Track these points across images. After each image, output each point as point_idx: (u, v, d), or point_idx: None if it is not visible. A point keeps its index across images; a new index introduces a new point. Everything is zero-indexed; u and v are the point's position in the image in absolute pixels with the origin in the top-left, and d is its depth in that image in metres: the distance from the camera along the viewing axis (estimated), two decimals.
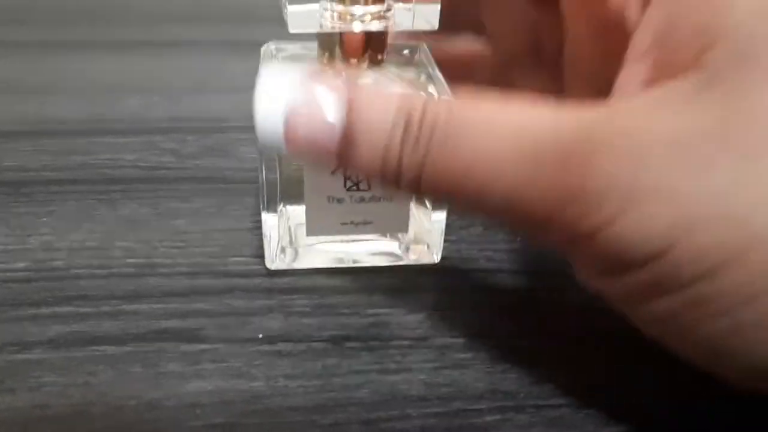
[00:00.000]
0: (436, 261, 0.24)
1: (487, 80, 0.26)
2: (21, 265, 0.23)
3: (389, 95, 0.17)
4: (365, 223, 0.23)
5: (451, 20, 0.22)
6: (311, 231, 0.23)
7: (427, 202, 0.23)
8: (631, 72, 0.18)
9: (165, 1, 0.55)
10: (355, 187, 0.22)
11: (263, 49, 0.24)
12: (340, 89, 0.17)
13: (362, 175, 0.18)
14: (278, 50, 0.24)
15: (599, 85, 0.19)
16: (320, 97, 0.17)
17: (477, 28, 0.25)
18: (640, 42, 0.18)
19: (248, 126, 0.33)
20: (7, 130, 0.33)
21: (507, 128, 0.16)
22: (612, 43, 0.19)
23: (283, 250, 0.23)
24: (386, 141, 0.17)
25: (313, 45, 0.24)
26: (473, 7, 0.25)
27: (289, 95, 0.17)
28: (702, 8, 0.15)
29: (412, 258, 0.24)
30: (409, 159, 0.16)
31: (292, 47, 0.24)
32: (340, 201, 0.22)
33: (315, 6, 0.20)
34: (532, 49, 0.24)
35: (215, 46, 0.45)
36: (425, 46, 0.25)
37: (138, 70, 0.41)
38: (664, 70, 0.16)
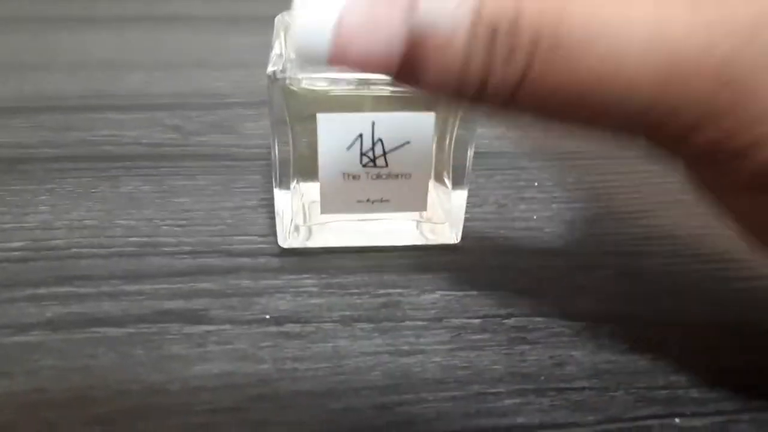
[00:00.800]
0: (457, 241, 0.23)
1: None
2: (18, 244, 0.22)
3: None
4: (382, 201, 0.22)
5: None
6: (326, 209, 0.22)
7: (446, 179, 0.22)
8: None
9: None
10: (371, 163, 0.21)
11: (277, 19, 0.23)
12: None
13: (431, 87, 0.14)
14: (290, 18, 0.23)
15: None
16: (379, 4, 0.13)
17: None
18: None
19: (252, 102, 0.33)
20: (4, 107, 0.32)
21: (640, 32, 0.13)
22: None
23: (296, 228, 0.22)
24: (466, 45, 0.13)
25: None
26: None
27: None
28: None
29: (431, 238, 0.23)
30: (503, 69, 0.13)
31: None
32: (355, 177, 0.21)
33: None
34: None
35: (216, 21, 0.44)
36: None
37: (138, 45, 0.40)
38: None
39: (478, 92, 0.14)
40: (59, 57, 0.37)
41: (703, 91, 0.13)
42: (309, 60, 0.14)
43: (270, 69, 0.19)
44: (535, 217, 0.24)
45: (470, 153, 0.22)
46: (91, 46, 0.39)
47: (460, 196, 0.22)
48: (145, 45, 0.40)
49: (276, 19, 0.23)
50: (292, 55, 0.19)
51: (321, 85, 0.20)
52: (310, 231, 0.22)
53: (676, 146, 0.14)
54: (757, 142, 0.13)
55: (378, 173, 0.21)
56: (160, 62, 0.37)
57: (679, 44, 0.13)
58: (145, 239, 0.23)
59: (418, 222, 0.23)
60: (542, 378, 0.18)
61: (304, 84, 0.19)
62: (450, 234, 0.23)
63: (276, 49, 0.20)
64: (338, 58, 0.14)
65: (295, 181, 0.22)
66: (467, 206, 0.25)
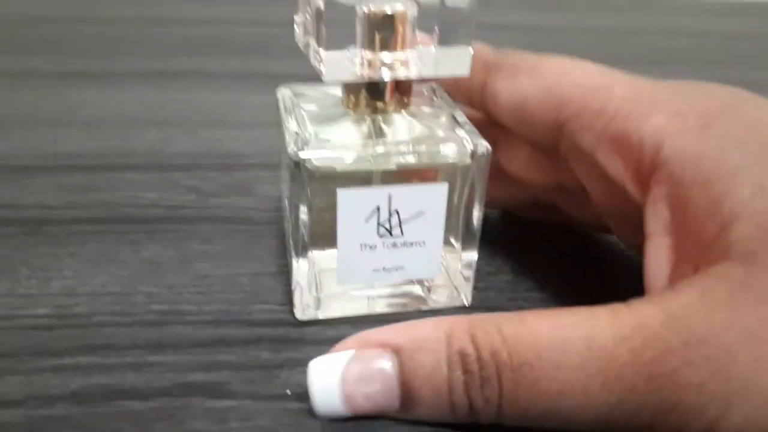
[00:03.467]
0: (467, 304, 0.23)
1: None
2: (43, 311, 0.23)
3: (434, 338, 0.17)
4: (397, 268, 0.22)
5: None
6: (344, 279, 0.22)
7: (453, 242, 0.23)
8: (657, 246, 0.18)
9: (180, 31, 0.55)
10: (388, 234, 0.21)
11: (279, 94, 0.24)
12: (384, 340, 0.17)
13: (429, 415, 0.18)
14: (295, 94, 0.24)
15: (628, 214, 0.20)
16: (368, 353, 0.18)
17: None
18: (654, 218, 0.18)
19: (269, 163, 0.33)
20: (25, 165, 0.32)
21: (576, 349, 0.15)
22: (623, 202, 0.20)
23: (312, 298, 0.23)
24: (448, 389, 0.17)
25: (326, 88, 0.24)
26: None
27: (340, 359, 0.18)
28: (709, 185, 0.17)
29: (441, 301, 0.24)
30: (483, 403, 0.16)
31: (308, 90, 0.24)
32: (372, 248, 0.22)
33: (346, 53, 0.20)
34: (555, 187, 0.24)
35: (232, 78, 0.45)
36: (440, 86, 0.25)
37: (155, 102, 0.41)
38: (689, 245, 0.17)
39: (469, 413, 0.17)
40: (77, 113, 0.38)
41: (638, 391, 0.15)
42: (328, 414, 0.18)
43: (291, 149, 0.20)
44: (550, 288, 0.25)
45: (478, 215, 0.22)
46: (110, 102, 0.40)
47: (470, 258, 0.23)
48: (163, 101, 0.41)
49: (278, 94, 0.23)
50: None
51: (336, 164, 0.20)
52: (319, 301, 0.23)
53: None
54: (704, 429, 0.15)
55: (394, 242, 0.22)
56: (177, 119, 0.38)
57: (609, 357, 0.15)
58: (166, 307, 0.23)
59: (423, 286, 0.24)
60: None
61: (318, 163, 0.20)
62: (459, 297, 0.24)
63: (292, 127, 0.21)
64: (350, 408, 0.17)
65: (310, 250, 0.22)
66: (481, 273, 0.25)
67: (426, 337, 0.17)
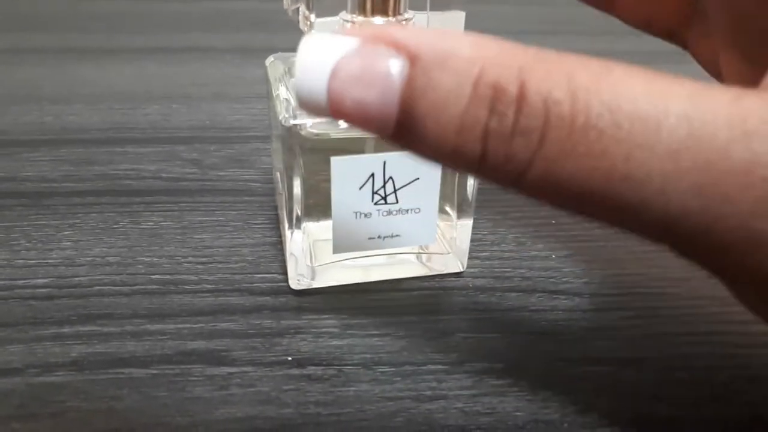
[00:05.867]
0: (462, 269, 0.23)
1: None
2: (43, 281, 0.22)
3: (466, 57, 0.12)
4: (392, 236, 0.22)
5: None
6: (338, 248, 0.22)
7: (449, 210, 0.23)
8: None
9: (181, 8, 0.55)
10: (382, 201, 0.21)
11: (268, 63, 0.23)
12: (401, 40, 0.12)
13: (428, 151, 0.13)
14: (284, 63, 0.23)
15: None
16: (376, 49, 0.13)
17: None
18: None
19: (269, 135, 0.33)
20: (27, 139, 0.32)
21: (676, 129, 0.11)
22: None
23: (307, 269, 0.23)
24: (458, 127, 0.12)
25: None
26: None
27: (339, 45, 0.13)
28: None
29: (436, 268, 0.23)
30: (504, 159, 0.12)
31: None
32: (367, 216, 0.21)
33: (336, 18, 0.20)
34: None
35: (233, 53, 0.45)
36: None
37: (157, 76, 0.40)
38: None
39: (479, 164, 0.12)
40: (79, 89, 0.38)
41: (744, 211, 0.11)
42: (310, 112, 0.14)
43: (283, 116, 0.20)
44: (553, 256, 0.25)
45: (473, 183, 0.22)
46: (111, 77, 0.40)
47: (466, 226, 0.23)
48: (164, 77, 0.40)
49: (267, 63, 0.23)
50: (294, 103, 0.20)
51: (328, 129, 0.20)
52: (313, 271, 0.23)
53: (704, 265, 0.13)
54: None
55: (389, 210, 0.21)
56: (179, 94, 0.38)
57: (719, 152, 0.11)
58: (167, 277, 0.23)
59: (419, 254, 0.23)
60: (565, 425, 0.18)
61: (312, 129, 0.20)
62: (455, 263, 0.23)
63: (283, 94, 0.21)
64: (334, 110, 0.13)
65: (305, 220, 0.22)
66: (485, 243, 0.25)
67: (455, 54, 0.12)
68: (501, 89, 0.12)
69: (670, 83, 0.12)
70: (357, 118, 0.13)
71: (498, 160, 0.12)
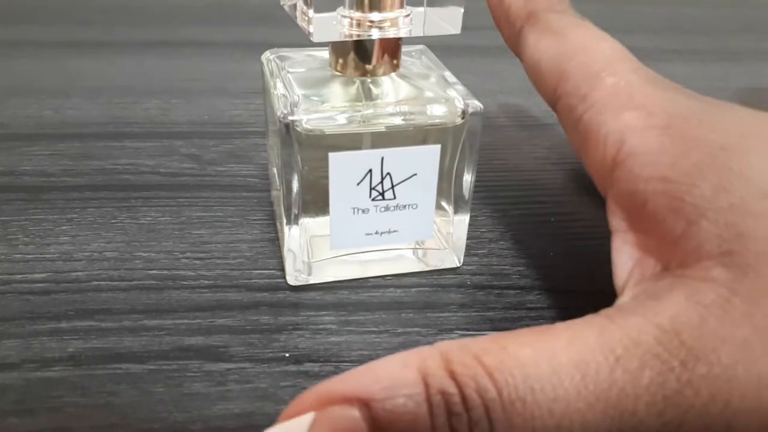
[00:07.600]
0: (458, 265, 0.23)
1: None
2: (40, 276, 0.22)
3: (407, 379, 0.14)
4: (390, 232, 0.22)
5: None
6: (336, 244, 0.22)
7: (445, 206, 0.23)
8: (622, 241, 0.18)
9: (181, 2, 0.55)
10: (380, 197, 0.21)
11: (264, 58, 0.23)
12: (352, 397, 0.14)
13: None
14: (280, 59, 0.23)
15: None
16: (330, 415, 0.14)
17: None
18: (616, 214, 0.18)
19: (266, 131, 0.33)
20: (25, 133, 0.32)
21: (570, 378, 0.14)
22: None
23: (304, 265, 0.23)
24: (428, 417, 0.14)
25: (311, 51, 0.23)
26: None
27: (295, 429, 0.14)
28: (668, 181, 0.16)
29: (432, 264, 0.23)
30: None
31: (293, 54, 0.23)
32: (365, 211, 0.21)
33: (334, 14, 0.20)
34: None
35: (233, 48, 0.44)
36: (426, 48, 0.24)
37: (156, 71, 0.40)
38: (653, 241, 0.17)
39: None
40: (78, 83, 0.38)
41: (639, 416, 0.14)
42: None
43: (280, 112, 0.19)
44: (552, 254, 0.25)
45: (470, 179, 0.22)
46: (110, 72, 0.40)
47: (462, 222, 0.23)
48: (163, 71, 0.40)
49: (263, 58, 0.23)
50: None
51: (325, 125, 0.20)
52: (310, 267, 0.23)
53: None
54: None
55: (386, 206, 0.21)
56: (178, 88, 0.38)
57: (604, 378, 0.14)
58: (164, 272, 0.23)
59: (415, 249, 0.24)
60: None
61: (309, 125, 0.20)
62: (452, 259, 0.23)
63: (280, 90, 0.21)
64: None
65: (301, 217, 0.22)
66: (483, 240, 0.25)
67: (397, 381, 0.14)
68: (446, 393, 0.14)
69: (547, 340, 0.14)
70: None
71: None
